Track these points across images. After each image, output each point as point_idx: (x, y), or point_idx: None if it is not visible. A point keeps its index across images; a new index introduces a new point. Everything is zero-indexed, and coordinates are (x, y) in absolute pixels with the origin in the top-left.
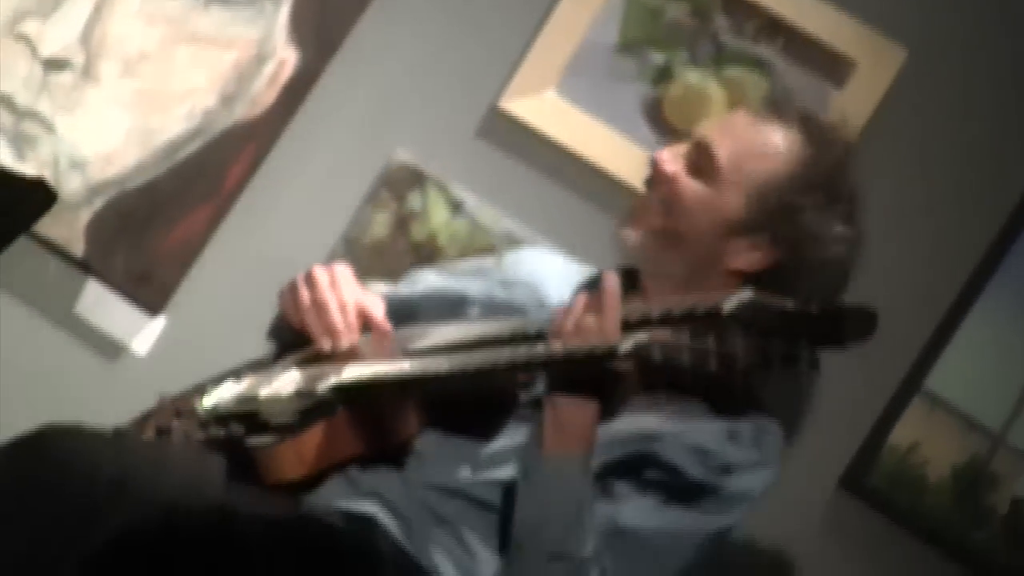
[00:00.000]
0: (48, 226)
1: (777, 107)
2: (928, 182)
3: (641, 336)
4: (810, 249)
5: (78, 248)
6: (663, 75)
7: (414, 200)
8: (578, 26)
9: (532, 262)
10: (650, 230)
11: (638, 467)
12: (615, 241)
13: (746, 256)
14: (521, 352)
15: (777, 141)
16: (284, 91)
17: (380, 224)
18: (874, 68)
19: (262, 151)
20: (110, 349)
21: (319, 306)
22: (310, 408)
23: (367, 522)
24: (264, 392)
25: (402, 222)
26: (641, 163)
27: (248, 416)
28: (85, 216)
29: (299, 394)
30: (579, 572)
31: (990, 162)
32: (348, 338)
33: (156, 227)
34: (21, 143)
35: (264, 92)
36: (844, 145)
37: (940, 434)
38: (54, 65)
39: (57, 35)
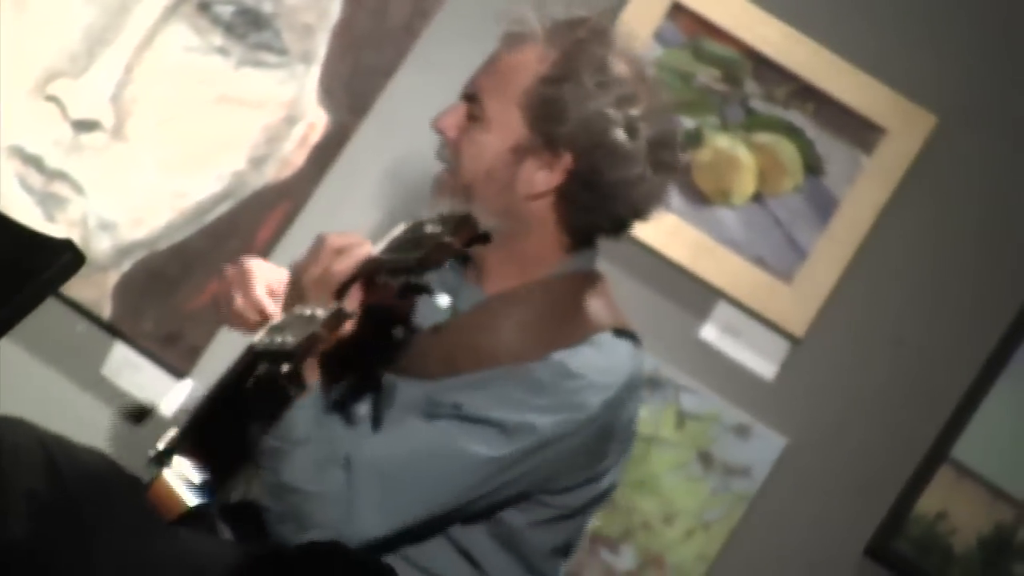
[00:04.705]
0: (76, 288)
1: (521, 28)
2: (956, 250)
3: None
4: (590, 139)
5: (106, 310)
6: (693, 140)
7: None
8: None
9: None
10: (450, 197)
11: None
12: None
13: (540, 176)
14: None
15: (526, 56)
16: (314, 152)
17: None
18: (904, 134)
19: (292, 212)
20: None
21: (225, 299)
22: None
23: None
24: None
25: None
26: (670, 230)
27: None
28: (113, 278)
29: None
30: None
31: (1019, 230)
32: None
33: (185, 289)
34: (50, 204)
35: (294, 153)
36: (593, 35)
37: (967, 503)
38: (84, 126)
39: (88, 96)
